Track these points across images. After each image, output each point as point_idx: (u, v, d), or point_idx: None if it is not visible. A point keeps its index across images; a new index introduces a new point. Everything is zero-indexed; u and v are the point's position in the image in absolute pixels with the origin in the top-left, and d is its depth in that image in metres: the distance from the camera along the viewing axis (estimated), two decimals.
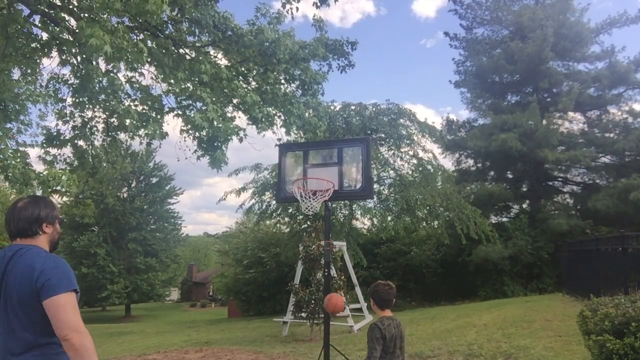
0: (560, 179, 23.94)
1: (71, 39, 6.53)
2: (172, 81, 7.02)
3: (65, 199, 8.37)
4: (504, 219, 23.18)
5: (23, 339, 2.02)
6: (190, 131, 7.21)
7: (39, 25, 6.71)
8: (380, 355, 3.30)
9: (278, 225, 20.30)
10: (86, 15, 5.70)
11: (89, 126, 8.25)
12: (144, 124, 7.18)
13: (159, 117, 7.44)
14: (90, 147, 8.46)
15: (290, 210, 17.89)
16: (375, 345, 3.29)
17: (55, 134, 7.95)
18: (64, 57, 7.04)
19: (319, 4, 7.31)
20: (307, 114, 8.05)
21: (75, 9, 6.19)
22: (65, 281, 2.03)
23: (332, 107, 17.07)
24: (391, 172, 17.71)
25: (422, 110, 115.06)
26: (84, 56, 6.72)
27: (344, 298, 4.18)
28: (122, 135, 8.58)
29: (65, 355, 1.99)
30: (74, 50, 6.88)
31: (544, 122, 21.42)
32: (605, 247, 9.85)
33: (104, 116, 8.18)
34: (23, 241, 2.17)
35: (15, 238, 2.18)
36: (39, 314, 2.00)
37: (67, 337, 1.94)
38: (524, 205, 23.75)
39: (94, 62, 6.78)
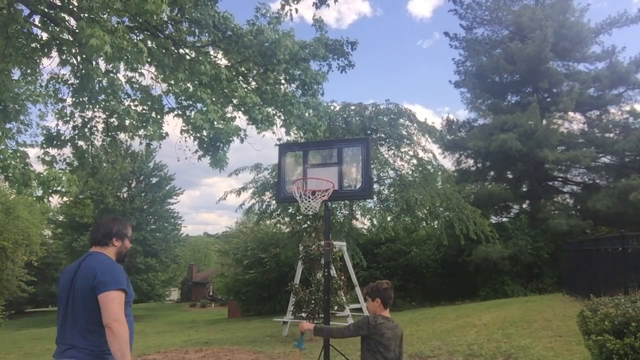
0: (560, 179, 23.93)
1: (71, 39, 6.54)
2: (172, 81, 7.02)
3: (65, 199, 8.35)
4: (504, 219, 23.17)
5: (81, 326, 2.55)
6: (190, 132, 7.22)
7: (39, 25, 6.71)
8: (377, 357, 3.28)
9: (278, 225, 20.29)
10: (86, 15, 5.69)
11: (89, 126, 8.26)
12: (144, 124, 7.19)
13: (158, 117, 7.44)
14: (90, 147, 8.46)
15: (290, 210, 17.88)
16: (352, 327, 3.39)
17: (55, 134, 7.95)
18: (63, 57, 7.04)
19: (318, 4, 7.31)
20: (307, 114, 8.05)
21: (75, 9, 6.19)
22: (115, 281, 2.55)
23: (332, 107, 17.06)
24: (391, 172, 17.70)
25: (420, 110, 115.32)
26: (84, 56, 6.73)
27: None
28: (122, 136, 8.58)
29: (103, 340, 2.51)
30: (73, 51, 6.88)
31: (544, 122, 21.41)
32: (605, 247, 9.85)
33: (104, 116, 8.18)
34: (96, 249, 2.78)
35: (92, 245, 2.81)
36: (94, 307, 2.51)
37: (110, 325, 2.45)
38: (524, 205, 23.74)
39: (94, 63, 6.77)
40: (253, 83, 8.08)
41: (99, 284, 2.51)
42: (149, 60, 6.50)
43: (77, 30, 5.69)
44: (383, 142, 17.67)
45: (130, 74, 7.77)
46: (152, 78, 7.72)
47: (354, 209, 17.90)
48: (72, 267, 2.76)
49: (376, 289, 3.51)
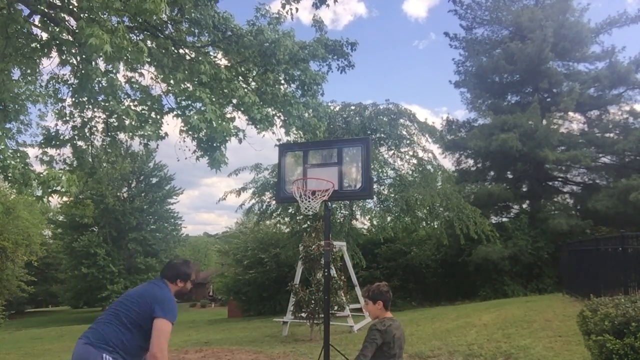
0: (560, 179, 23.93)
1: (71, 39, 6.53)
2: (171, 81, 7.02)
3: (65, 199, 8.35)
4: (504, 219, 23.17)
5: (120, 337, 2.95)
6: (189, 132, 7.21)
7: (39, 25, 6.70)
8: (380, 356, 3.27)
9: (278, 225, 20.30)
10: (86, 15, 5.69)
11: (88, 126, 8.25)
12: (143, 124, 7.18)
13: (158, 117, 7.44)
14: (90, 148, 8.46)
15: (290, 210, 17.89)
16: (369, 346, 3.25)
17: (54, 134, 7.95)
18: (63, 57, 7.03)
19: (318, 4, 7.31)
20: (306, 115, 8.04)
21: (75, 9, 6.18)
22: (170, 312, 3.01)
23: (331, 108, 17.07)
24: (391, 172, 17.72)
25: (418, 110, 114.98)
26: (84, 56, 6.72)
27: None
28: (121, 136, 8.58)
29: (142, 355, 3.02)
30: (73, 51, 6.88)
31: (544, 122, 21.41)
32: (605, 247, 9.84)
33: (104, 116, 8.18)
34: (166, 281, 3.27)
35: (161, 276, 3.30)
36: (142, 326, 2.96)
37: (156, 355, 2.86)
38: (524, 205, 23.73)
39: (94, 63, 6.77)
40: (253, 83, 8.08)
41: (157, 309, 2.95)
42: (148, 60, 6.49)
43: (76, 30, 5.69)
44: (383, 142, 17.68)
45: (129, 74, 7.78)
46: (151, 78, 7.72)
47: (353, 209, 17.90)
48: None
49: (378, 291, 3.46)
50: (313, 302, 9.51)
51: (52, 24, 6.65)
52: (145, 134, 7.05)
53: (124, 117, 7.35)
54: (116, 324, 2.96)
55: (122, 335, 2.93)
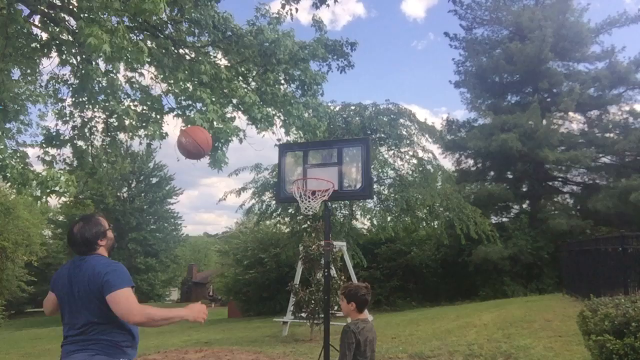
0: (560, 179, 23.93)
1: (71, 39, 6.53)
2: (171, 81, 7.02)
3: (64, 199, 8.35)
4: (504, 219, 23.18)
5: (83, 318, 2.59)
6: None
7: (39, 25, 6.70)
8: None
9: (278, 225, 20.29)
10: (86, 15, 5.69)
11: (88, 126, 8.25)
12: (144, 124, 7.18)
13: (158, 117, 7.43)
14: (90, 148, 8.45)
15: (290, 210, 17.88)
16: (346, 351, 3.19)
17: (54, 134, 7.95)
18: (63, 58, 7.03)
19: (318, 4, 7.31)
20: (306, 115, 8.04)
21: (75, 9, 6.18)
22: (121, 280, 2.56)
23: (331, 108, 17.07)
24: (391, 172, 17.71)
25: (417, 110, 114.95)
26: (84, 56, 6.73)
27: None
28: (121, 136, 8.58)
29: (113, 333, 2.60)
30: (73, 51, 6.88)
31: (544, 122, 21.41)
32: (605, 247, 9.84)
33: (104, 116, 8.18)
34: (87, 255, 2.72)
35: (80, 254, 2.73)
36: (97, 303, 2.55)
37: (134, 321, 2.49)
38: (524, 205, 23.73)
39: (94, 63, 6.77)
40: (253, 83, 8.08)
41: (105, 285, 2.52)
42: (148, 60, 6.49)
43: (76, 30, 5.69)
44: (383, 142, 17.68)
45: (129, 74, 7.77)
46: (151, 78, 7.72)
47: (354, 209, 17.90)
48: (65, 271, 2.73)
49: (353, 292, 3.38)
50: (313, 302, 9.51)
51: (52, 24, 6.65)
52: (147, 133, 7.04)
53: (124, 117, 7.34)
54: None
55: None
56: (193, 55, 7.36)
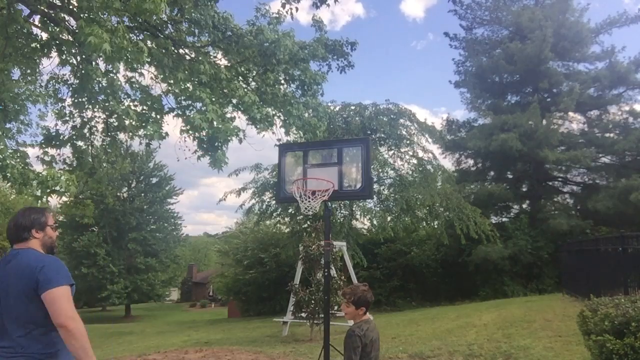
0: (560, 179, 23.93)
1: (71, 39, 6.53)
2: (171, 81, 7.02)
3: (64, 199, 8.36)
4: (504, 219, 23.18)
5: (21, 324, 2.33)
6: (190, 132, 7.22)
7: (39, 25, 6.71)
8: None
9: (278, 225, 20.30)
10: (86, 15, 5.69)
11: (88, 126, 8.26)
12: (143, 124, 7.18)
13: (158, 117, 7.44)
14: (90, 148, 8.46)
15: (290, 210, 17.88)
16: (352, 355, 3.17)
17: (54, 134, 7.95)
18: (63, 58, 7.04)
19: (318, 3, 7.31)
20: (306, 115, 8.05)
21: (75, 9, 6.18)
22: (58, 276, 2.33)
23: (331, 108, 17.08)
24: (391, 172, 17.71)
25: (417, 110, 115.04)
26: (84, 56, 6.73)
27: None
28: (121, 136, 8.58)
29: (52, 337, 2.33)
30: (73, 51, 6.88)
31: (544, 122, 21.41)
32: (605, 247, 9.84)
33: (104, 116, 8.18)
34: (18, 245, 2.50)
35: (13, 244, 2.53)
36: (35, 305, 2.30)
37: (64, 324, 2.23)
38: (524, 205, 23.74)
39: (94, 63, 6.77)
40: (253, 83, 8.08)
41: (41, 282, 2.27)
42: (148, 60, 6.49)
43: (76, 30, 5.69)
44: (383, 142, 17.68)
45: (129, 74, 7.78)
46: (151, 78, 7.73)
47: (353, 209, 17.90)
48: None
49: (362, 298, 3.32)
50: (313, 302, 9.50)
51: (52, 24, 6.65)
52: (147, 133, 7.04)
53: (124, 117, 7.35)
54: None
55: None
56: (193, 55, 7.36)
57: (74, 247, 32.74)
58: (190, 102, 7.35)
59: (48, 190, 6.08)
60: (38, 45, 6.94)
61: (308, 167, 5.82)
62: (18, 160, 6.51)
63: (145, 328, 19.71)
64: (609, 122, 22.45)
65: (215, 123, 6.57)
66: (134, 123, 7.20)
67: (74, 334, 2.24)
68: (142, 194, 36.79)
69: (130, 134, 8.09)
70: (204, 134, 6.83)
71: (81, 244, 32.68)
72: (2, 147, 6.11)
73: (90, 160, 8.43)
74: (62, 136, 8.02)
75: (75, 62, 7.20)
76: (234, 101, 7.50)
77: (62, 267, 2.40)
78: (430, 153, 18.35)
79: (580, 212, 21.49)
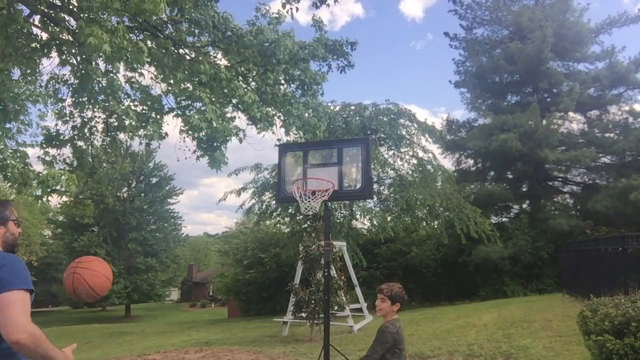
0: (560, 179, 23.93)
1: (71, 39, 6.53)
2: (171, 81, 7.02)
3: (65, 199, 8.36)
4: (504, 219, 23.17)
5: None
6: (189, 132, 7.22)
7: (39, 25, 6.71)
8: (393, 355, 3.31)
9: (278, 225, 20.31)
10: (86, 15, 5.69)
11: (88, 126, 8.26)
12: (143, 124, 7.18)
13: (158, 117, 7.44)
14: (90, 148, 8.46)
15: (290, 210, 17.90)
16: (379, 348, 3.29)
17: (54, 134, 7.95)
18: (63, 58, 7.04)
19: (318, 3, 7.31)
20: (306, 115, 8.05)
21: (75, 9, 6.19)
22: (18, 279, 1.97)
23: (331, 108, 17.09)
24: (391, 172, 17.72)
25: (416, 110, 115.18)
26: (84, 56, 6.72)
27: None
28: (121, 136, 8.58)
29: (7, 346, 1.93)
30: (73, 51, 6.88)
31: (544, 122, 21.40)
32: (605, 247, 9.84)
33: (104, 116, 8.19)
34: None
35: None
36: None
37: (15, 340, 1.85)
38: (524, 205, 23.73)
39: (94, 63, 6.77)
40: (253, 83, 8.08)
41: None
42: (148, 60, 6.50)
43: (76, 30, 5.69)
44: (383, 142, 17.69)
45: (129, 74, 7.78)
46: (151, 78, 7.73)
47: (353, 209, 17.91)
48: None
49: (400, 294, 3.47)
50: (313, 302, 9.51)
51: (52, 24, 6.65)
52: (147, 133, 7.05)
53: (124, 117, 7.35)
54: None
55: None
56: (193, 55, 7.36)
57: (74, 247, 32.76)
58: (190, 102, 7.35)
59: (49, 190, 6.08)
60: (38, 45, 6.94)
61: (308, 167, 5.83)
62: (18, 160, 6.52)
63: (145, 328, 19.72)
64: (609, 122, 22.44)
65: (214, 123, 6.58)
66: (134, 123, 7.20)
67: (29, 345, 1.86)
68: (142, 194, 36.82)
69: (130, 134, 8.09)
70: (203, 134, 6.83)
71: (81, 244, 32.69)
72: (2, 147, 6.11)
73: (90, 160, 8.43)
74: (62, 136, 8.01)
75: (75, 62, 7.20)
76: (234, 101, 7.51)
77: (24, 269, 2.05)
78: (430, 153, 18.38)
79: (580, 212, 21.48)
